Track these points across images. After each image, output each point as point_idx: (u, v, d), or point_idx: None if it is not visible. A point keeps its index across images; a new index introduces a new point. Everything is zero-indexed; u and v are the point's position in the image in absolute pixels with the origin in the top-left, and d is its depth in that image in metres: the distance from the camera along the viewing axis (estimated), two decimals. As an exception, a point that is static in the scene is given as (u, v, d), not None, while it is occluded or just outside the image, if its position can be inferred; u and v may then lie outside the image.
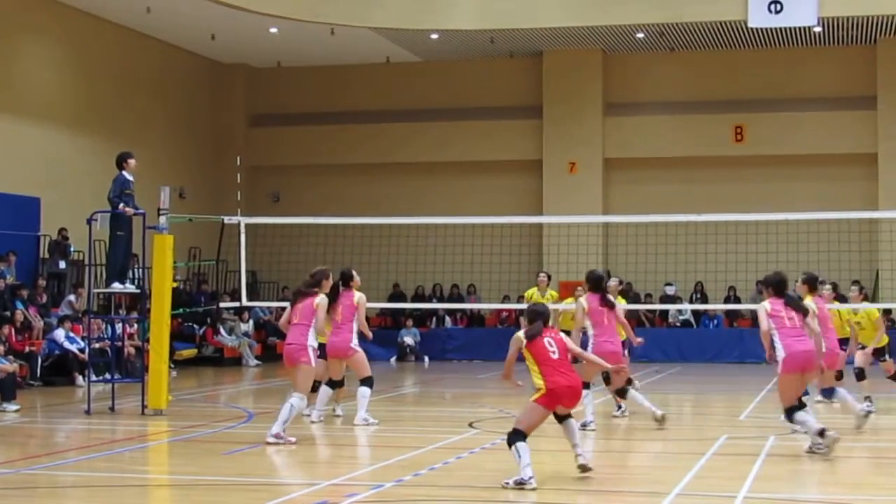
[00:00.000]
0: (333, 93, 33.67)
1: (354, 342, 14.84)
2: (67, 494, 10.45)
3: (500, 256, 28.82)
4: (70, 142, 27.50)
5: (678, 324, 30.73)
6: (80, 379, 20.86)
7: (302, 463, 12.23)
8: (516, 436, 10.16)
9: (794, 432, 13.60)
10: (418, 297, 31.42)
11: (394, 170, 33.12)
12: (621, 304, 16.16)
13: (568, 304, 18.57)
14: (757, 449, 12.51)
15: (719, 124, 31.50)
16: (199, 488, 10.51)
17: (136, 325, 22.16)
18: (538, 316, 10.66)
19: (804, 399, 12.41)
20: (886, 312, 28.64)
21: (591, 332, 14.30)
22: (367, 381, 14.86)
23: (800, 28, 28.51)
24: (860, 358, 16.61)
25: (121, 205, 16.10)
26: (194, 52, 32.11)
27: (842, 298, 17.52)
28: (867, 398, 16.51)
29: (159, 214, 16.39)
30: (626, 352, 15.98)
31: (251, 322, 29.06)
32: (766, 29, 28.30)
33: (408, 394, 21.79)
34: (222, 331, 28.24)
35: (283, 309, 14.07)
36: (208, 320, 28.19)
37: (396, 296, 31.25)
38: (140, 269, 18.40)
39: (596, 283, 14.61)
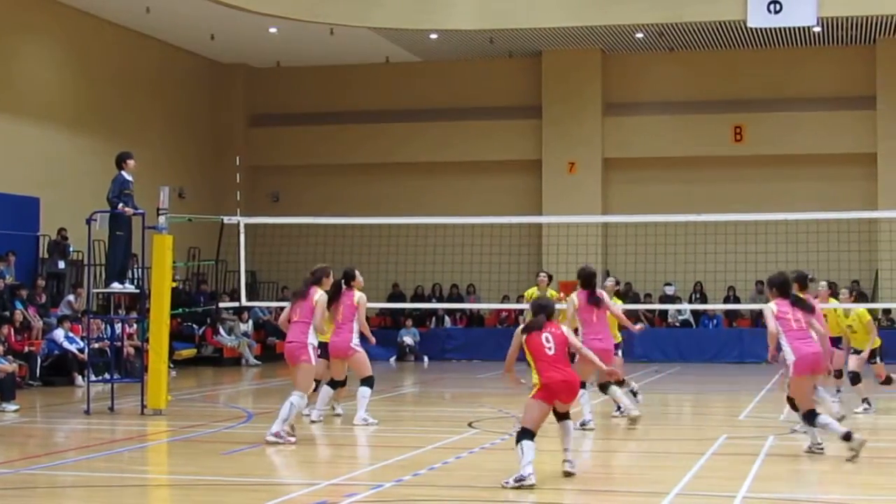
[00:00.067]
0: (333, 93, 33.67)
1: (355, 342, 14.84)
2: (67, 494, 10.45)
3: (499, 256, 28.82)
4: (70, 142, 27.50)
5: (677, 324, 30.73)
6: (79, 379, 20.86)
7: (301, 463, 12.24)
8: (523, 434, 10.20)
9: (793, 432, 13.62)
10: (418, 297, 31.43)
11: (393, 170, 33.12)
12: (618, 305, 16.08)
13: (561, 304, 18.54)
14: (756, 449, 12.50)
15: (719, 124, 31.49)
16: (199, 488, 10.51)
17: (135, 325, 22.16)
18: (542, 310, 10.68)
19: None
20: (886, 312, 28.79)
21: (581, 329, 14.18)
22: (367, 381, 14.86)
23: (799, 28, 28.51)
24: (854, 362, 16.56)
25: (120, 205, 16.09)
26: (194, 52, 32.11)
27: (838, 297, 17.47)
28: (865, 400, 16.51)
29: (159, 214, 16.38)
30: (620, 352, 15.89)
31: (250, 322, 29.06)
32: (766, 29, 28.30)
33: (407, 394, 21.80)
34: (222, 331, 28.24)
35: (283, 309, 14.06)
36: (208, 320, 28.19)
37: (396, 296, 31.25)
38: (139, 269, 18.43)
39: (585, 280, 14.40)
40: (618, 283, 22.47)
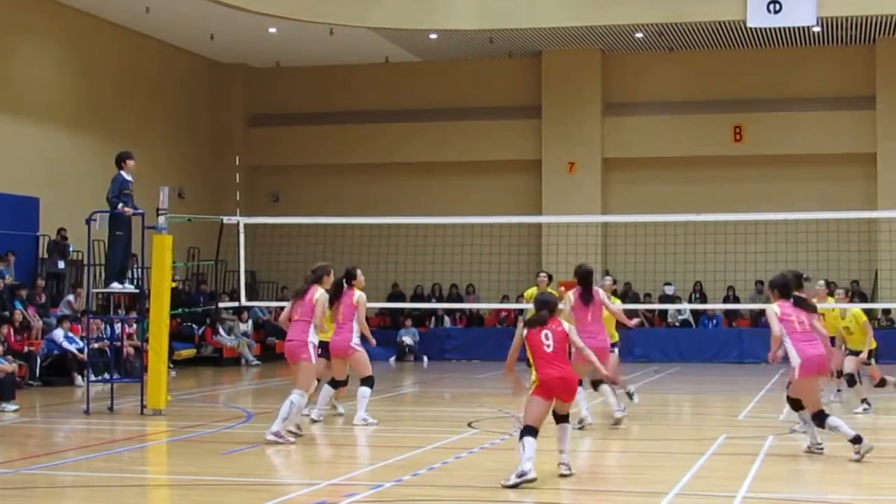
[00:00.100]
0: (332, 93, 33.67)
1: (355, 341, 14.83)
2: (66, 494, 10.45)
3: (499, 256, 28.82)
4: (69, 142, 27.50)
5: (677, 324, 30.73)
6: (79, 379, 20.85)
7: (301, 463, 12.23)
8: (526, 431, 10.23)
9: (792, 432, 13.62)
10: (417, 297, 31.42)
11: (393, 170, 33.12)
12: (617, 305, 16.03)
13: (561, 304, 18.50)
14: (756, 449, 12.50)
15: (718, 124, 31.49)
16: (198, 488, 10.51)
17: (135, 325, 22.16)
18: (545, 306, 10.69)
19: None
20: (886, 312, 28.80)
21: (576, 327, 14.08)
22: (367, 381, 14.86)
23: (799, 28, 28.51)
24: (850, 363, 16.55)
25: (120, 205, 16.09)
26: (193, 51, 32.11)
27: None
28: (864, 400, 16.51)
29: (158, 214, 16.38)
30: (617, 350, 15.83)
31: (250, 322, 29.05)
32: (766, 29, 28.30)
33: (407, 394, 21.80)
34: (221, 331, 28.24)
35: (283, 309, 14.06)
36: (207, 320, 28.18)
37: (395, 296, 31.25)
38: (139, 269, 18.42)
39: (581, 278, 14.35)
40: (615, 282, 22.46)
